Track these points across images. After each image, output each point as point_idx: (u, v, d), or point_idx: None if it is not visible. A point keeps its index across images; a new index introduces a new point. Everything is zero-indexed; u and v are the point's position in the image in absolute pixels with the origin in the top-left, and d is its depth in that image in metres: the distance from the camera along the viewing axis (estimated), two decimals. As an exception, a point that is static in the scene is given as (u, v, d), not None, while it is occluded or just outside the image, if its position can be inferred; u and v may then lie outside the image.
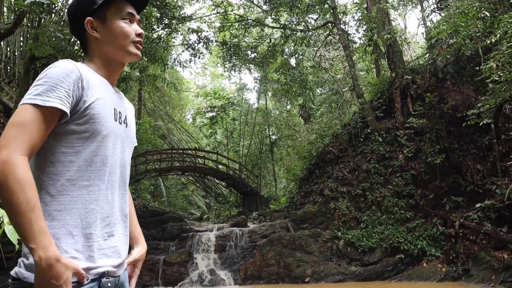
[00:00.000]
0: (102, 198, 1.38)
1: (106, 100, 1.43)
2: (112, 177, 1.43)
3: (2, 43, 14.94)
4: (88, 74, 1.41)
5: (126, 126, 1.54)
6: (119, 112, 1.50)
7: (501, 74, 8.70)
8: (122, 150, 1.49)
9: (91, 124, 1.35)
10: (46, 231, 1.16)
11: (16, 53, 17.59)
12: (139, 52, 1.55)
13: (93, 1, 1.50)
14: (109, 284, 1.34)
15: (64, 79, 1.31)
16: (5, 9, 15.51)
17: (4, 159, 1.17)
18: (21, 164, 1.19)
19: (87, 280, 1.27)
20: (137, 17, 1.57)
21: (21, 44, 17.12)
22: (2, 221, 2.41)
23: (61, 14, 14.93)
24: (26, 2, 6.63)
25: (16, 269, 1.27)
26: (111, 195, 1.42)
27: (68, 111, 1.30)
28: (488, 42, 9.49)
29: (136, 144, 1.67)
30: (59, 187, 1.30)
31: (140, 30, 1.55)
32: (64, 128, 1.33)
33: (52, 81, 1.29)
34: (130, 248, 1.64)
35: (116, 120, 1.46)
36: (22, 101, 1.28)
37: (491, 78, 8.92)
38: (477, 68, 10.67)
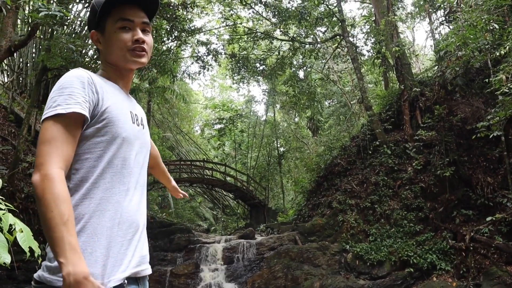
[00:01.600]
0: (123, 200, 1.40)
1: (121, 103, 1.46)
2: (132, 179, 1.45)
3: (15, 54, 15.20)
4: (100, 80, 1.44)
5: (143, 128, 1.56)
6: (135, 115, 1.53)
7: (511, 86, 8.66)
8: (140, 151, 1.51)
9: (110, 127, 1.38)
10: (76, 247, 1.18)
11: (28, 64, 17.90)
12: (138, 59, 1.50)
13: (94, 13, 1.49)
14: None
15: (78, 85, 1.34)
16: (18, 21, 15.82)
17: (43, 175, 1.21)
18: (58, 179, 1.23)
19: None
20: (140, 20, 1.51)
21: (34, 55, 17.44)
22: (14, 229, 2.43)
23: (73, 26, 15.19)
24: (40, 15, 6.78)
25: (39, 272, 1.29)
26: (132, 196, 1.44)
27: (88, 115, 1.34)
28: (497, 54, 9.44)
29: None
30: (84, 191, 1.33)
31: (138, 35, 1.48)
32: (84, 134, 1.36)
33: (68, 90, 1.33)
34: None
35: (134, 123, 1.49)
36: (44, 115, 1.30)
37: (501, 90, 8.88)
38: (487, 80, 10.61)
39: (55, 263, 1.22)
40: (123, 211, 1.39)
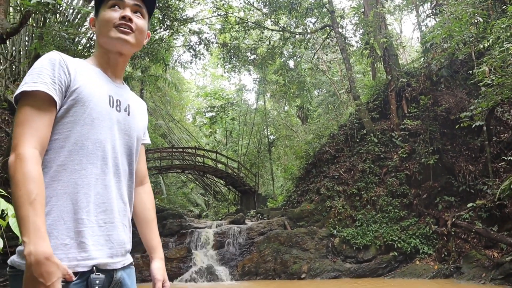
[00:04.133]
0: (95, 183, 1.33)
1: (97, 85, 1.40)
2: (108, 162, 1.37)
3: (7, 42, 14.90)
4: (77, 63, 1.39)
5: (128, 115, 1.48)
6: (117, 100, 1.45)
7: (493, 78, 8.73)
8: (121, 137, 1.44)
9: (79, 107, 1.33)
10: (40, 227, 1.13)
11: (21, 52, 17.56)
12: (122, 36, 1.44)
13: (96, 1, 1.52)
14: (97, 281, 1.26)
15: (47, 66, 1.31)
16: (11, 9, 15.47)
17: (16, 155, 1.19)
18: (30, 158, 1.19)
19: (76, 276, 1.21)
20: (132, 2, 1.48)
21: (26, 43, 17.10)
22: (6, 214, 2.41)
23: (66, 14, 14.91)
24: (32, 2, 6.63)
25: (12, 257, 1.26)
26: (107, 181, 1.36)
27: (55, 95, 1.29)
28: (481, 46, 9.50)
29: (145, 139, 1.64)
30: (52, 173, 1.28)
31: (126, 13, 1.44)
32: (56, 116, 1.32)
33: (36, 70, 1.30)
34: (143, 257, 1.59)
35: (112, 106, 1.42)
36: (14, 95, 1.29)
37: (484, 82, 8.95)
38: (470, 72, 10.71)
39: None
40: (95, 195, 1.32)
